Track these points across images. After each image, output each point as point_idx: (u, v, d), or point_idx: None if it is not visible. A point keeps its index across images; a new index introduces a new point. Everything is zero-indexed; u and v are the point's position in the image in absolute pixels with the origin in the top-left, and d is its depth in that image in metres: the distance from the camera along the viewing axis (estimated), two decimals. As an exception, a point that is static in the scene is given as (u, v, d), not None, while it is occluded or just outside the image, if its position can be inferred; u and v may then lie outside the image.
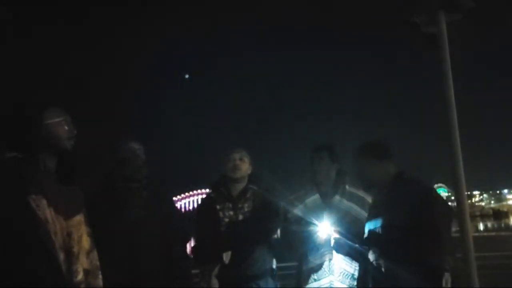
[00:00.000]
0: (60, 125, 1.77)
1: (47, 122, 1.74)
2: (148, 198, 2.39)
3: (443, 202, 2.33)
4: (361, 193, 2.78)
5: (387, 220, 2.23)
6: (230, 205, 2.73)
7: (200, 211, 2.86)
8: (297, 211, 2.76)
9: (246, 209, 2.71)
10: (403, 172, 2.38)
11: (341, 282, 2.59)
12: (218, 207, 2.73)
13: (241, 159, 2.78)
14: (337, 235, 2.56)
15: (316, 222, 2.64)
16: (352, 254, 2.59)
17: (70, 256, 1.65)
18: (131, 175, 2.37)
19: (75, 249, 1.68)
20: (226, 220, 2.69)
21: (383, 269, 2.22)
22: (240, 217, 2.69)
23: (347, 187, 2.78)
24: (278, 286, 2.80)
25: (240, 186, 2.79)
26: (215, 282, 2.58)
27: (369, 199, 2.76)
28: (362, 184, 2.53)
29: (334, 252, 2.60)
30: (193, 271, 2.72)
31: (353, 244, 2.54)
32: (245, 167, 2.79)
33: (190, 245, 2.63)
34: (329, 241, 2.59)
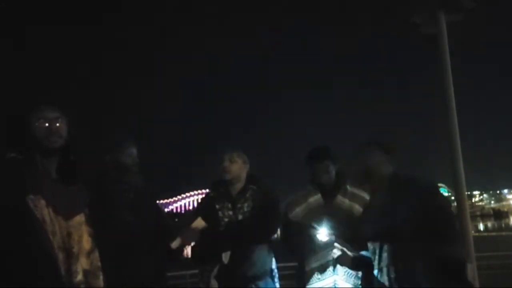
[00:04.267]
0: (39, 124, 1.72)
1: (29, 121, 1.71)
2: (135, 200, 2.38)
3: (443, 195, 2.37)
4: (362, 193, 2.76)
5: (396, 219, 2.19)
6: (229, 205, 2.69)
7: (199, 211, 2.85)
8: (299, 211, 2.73)
9: (245, 209, 2.67)
10: (399, 173, 2.41)
11: (345, 281, 2.57)
12: (217, 206, 2.70)
13: (231, 161, 2.72)
14: (338, 246, 2.55)
15: (317, 222, 2.61)
16: (356, 265, 2.56)
17: (70, 256, 1.63)
18: (125, 179, 2.37)
19: (75, 250, 1.66)
20: (226, 220, 2.66)
21: (394, 272, 2.18)
22: (240, 217, 2.66)
23: (348, 187, 2.76)
24: (278, 286, 2.78)
25: (239, 186, 2.75)
26: (214, 283, 2.57)
27: None
28: (361, 177, 2.48)
29: (337, 252, 2.58)
30: (192, 272, 2.72)
31: (356, 253, 2.53)
32: (235, 168, 2.72)
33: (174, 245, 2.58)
34: (331, 242, 2.57)
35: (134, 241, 2.22)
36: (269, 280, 2.69)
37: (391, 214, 2.21)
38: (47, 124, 1.72)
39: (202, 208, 2.82)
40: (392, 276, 2.19)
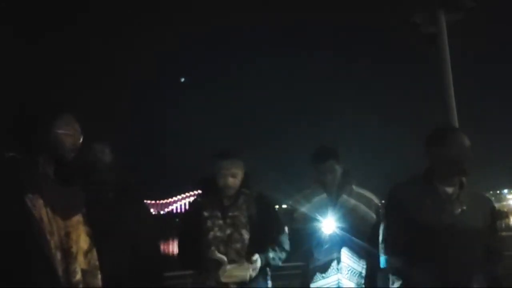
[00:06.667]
0: (68, 136, 1.74)
1: (57, 131, 1.72)
2: (115, 200, 2.37)
3: None
4: (368, 193, 2.76)
5: (466, 222, 2.11)
6: (219, 214, 2.52)
7: (186, 218, 2.73)
8: (304, 209, 2.71)
9: (243, 220, 2.50)
10: None
11: (349, 280, 2.58)
12: (206, 214, 2.53)
13: (233, 176, 2.52)
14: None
15: (320, 218, 2.62)
16: (356, 250, 2.57)
17: (68, 256, 1.64)
18: (95, 178, 2.36)
19: (73, 249, 1.66)
20: (216, 229, 2.48)
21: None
22: (243, 232, 2.48)
23: (353, 187, 2.76)
24: (270, 286, 2.72)
25: (232, 191, 2.56)
26: (220, 276, 2.44)
27: (375, 200, 2.75)
28: (460, 168, 2.29)
29: (342, 250, 2.58)
30: (192, 272, 2.70)
31: (358, 241, 2.52)
32: (237, 182, 2.54)
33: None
34: (334, 237, 2.58)
35: (112, 241, 2.19)
36: (261, 280, 2.62)
37: (464, 214, 2.14)
38: (73, 140, 1.76)
39: (189, 215, 2.68)
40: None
